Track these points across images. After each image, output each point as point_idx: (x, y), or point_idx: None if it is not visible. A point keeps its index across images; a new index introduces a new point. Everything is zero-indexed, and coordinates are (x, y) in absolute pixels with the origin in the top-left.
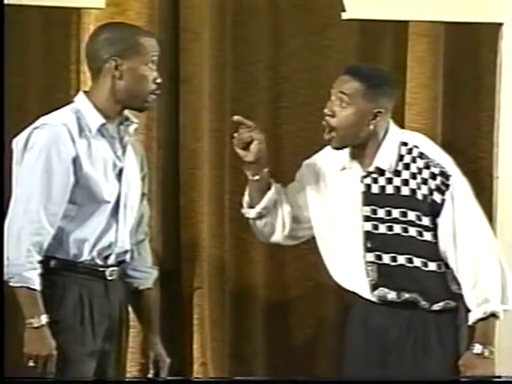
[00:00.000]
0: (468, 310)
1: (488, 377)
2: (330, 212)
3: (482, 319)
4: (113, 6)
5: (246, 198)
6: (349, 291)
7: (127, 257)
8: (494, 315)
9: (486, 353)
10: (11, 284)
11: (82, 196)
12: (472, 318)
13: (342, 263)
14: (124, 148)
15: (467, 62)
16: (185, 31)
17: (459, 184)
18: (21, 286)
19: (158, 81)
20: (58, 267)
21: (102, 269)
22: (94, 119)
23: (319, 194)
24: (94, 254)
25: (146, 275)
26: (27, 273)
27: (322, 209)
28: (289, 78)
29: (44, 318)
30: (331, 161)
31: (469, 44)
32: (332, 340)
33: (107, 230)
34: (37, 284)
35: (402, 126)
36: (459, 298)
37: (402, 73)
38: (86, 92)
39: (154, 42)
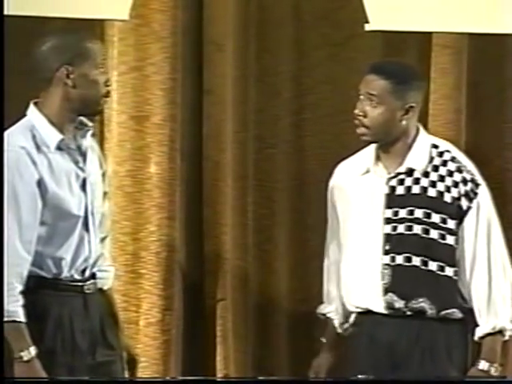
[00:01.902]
0: (476, 325)
1: (489, 377)
2: (353, 217)
3: (489, 334)
4: (136, 18)
5: None
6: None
7: (98, 264)
8: (501, 332)
9: (493, 370)
10: None
11: (53, 216)
12: (480, 332)
13: (357, 271)
14: (84, 156)
15: (491, 73)
16: (208, 43)
17: (486, 196)
18: (6, 321)
19: (109, 83)
20: (38, 286)
21: (80, 283)
22: (51, 135)
23: (345, 205)
24: (73, 270)
25: (108, 274)
26: (10, 306)
27: (346, 215)
28: (312, 90)
29: (33, 350)
30: (352, 168)
31: (492, 55)
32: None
33: (81, 243)
34: (21, 316)
35: None
36: (467, 311)
37: (425, 84)
38: (36, 103)
39: (99, 45)
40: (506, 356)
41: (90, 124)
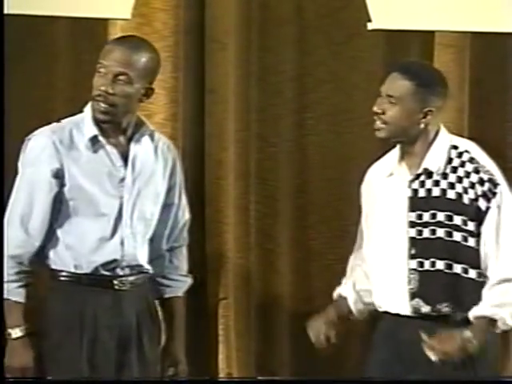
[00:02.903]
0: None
1: (489, 377)
2: (379, 221)
3: (485, 317)
4: (139, 17)
5: None
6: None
7: (145, 266)
8: (494, 322)
9: (470, 346)
10: None
11: (75, 209)
12: (477, 312)
13: (382, 274)
14: (124, 157)
15: (493, 72)
16: (210, 41)
17: (506, 194)
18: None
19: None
20: (59, 279)
21: (108, 279)
22: (86, 131)
23: (371, 207)
24: (96, 265)
25: (176, 283)
26: (8, 285)
27: (373, 218)
28: (314, 89)
29: (20, 331)
30: (379, 170)
31: (495, 54)
32: (359, 351)
33: (108, 242)
34: (16, 295)
35: None
36: None
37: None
38: None
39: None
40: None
41: (150, 127)
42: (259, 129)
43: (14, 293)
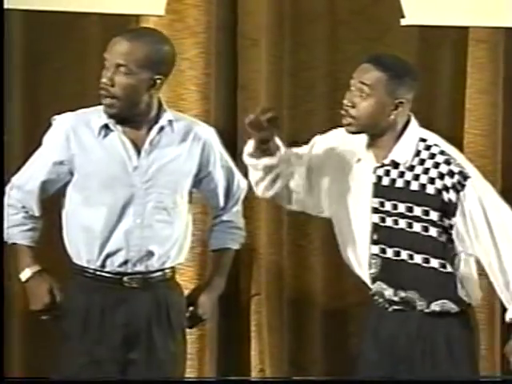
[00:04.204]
0: (505, 310)
1: (489, 377)
2: (346, 203)
3: None
4: (171, 13)
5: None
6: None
7: (153, 261)
8: None
9: None
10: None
11: (86, 198)
12: (510, 314)
13: (351, 250)
14: (141, 146)
15: None
16: (243, 37)
17: (477, 187)
18: (12, 243)
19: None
20: (73, 272)
21: (118, 276)
22: (101, 119)
23: (337, 184)
24: (104, 256)
25: (227, 235)
26: (10, 230)
27: (339, 200)
28: (347, 85)
29: (29, 271)
30: (348, 151)
31: None
32: None
33: (115, 231)
34: (21, 239)
35: (461, 131)
36: (466, 305)
37: (461, 79)
38: None
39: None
40: None
41: (170, 117)
42: (292, 125)
43: (19, 237)
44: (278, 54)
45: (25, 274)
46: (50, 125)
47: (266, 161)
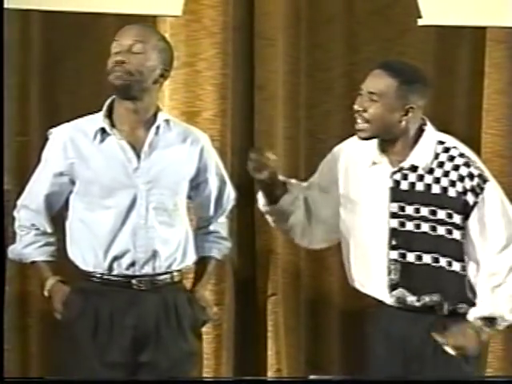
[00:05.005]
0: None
1: (489, 377)
2: (358, 208)
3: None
4: (188, 14)
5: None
6: (366, 295)
7: (160, 262)
8: (493, 320)
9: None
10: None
11: (89, 204)
12: (476, 313)
13: (362, 262)
14: (140, 147)
15: None
16: (259, 38)
17: (495, 191)
18: (31, 262)
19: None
20: (81, 277)
21: (125, 279)
22: (98, 124)
23: (349, 190)
24: (111, 260)
25: (213, 245)
26: (25, 250)
27: (350, 205)
28: None
29: (49, 283)
30: (361, 156)
31: None
32: None
33: (121, 233)
34: (37, 256)
35: (479, 132)
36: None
37: (479, 79)
38: None
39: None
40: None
41: (169, 117)
42: (308, 125)
43: (34, 255)
44: (295, 55)
45: (46, 286)
46: (46, 139)
47: (276, 206)
